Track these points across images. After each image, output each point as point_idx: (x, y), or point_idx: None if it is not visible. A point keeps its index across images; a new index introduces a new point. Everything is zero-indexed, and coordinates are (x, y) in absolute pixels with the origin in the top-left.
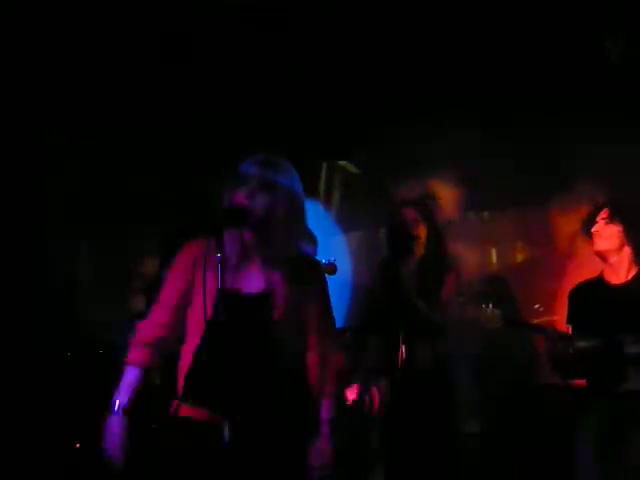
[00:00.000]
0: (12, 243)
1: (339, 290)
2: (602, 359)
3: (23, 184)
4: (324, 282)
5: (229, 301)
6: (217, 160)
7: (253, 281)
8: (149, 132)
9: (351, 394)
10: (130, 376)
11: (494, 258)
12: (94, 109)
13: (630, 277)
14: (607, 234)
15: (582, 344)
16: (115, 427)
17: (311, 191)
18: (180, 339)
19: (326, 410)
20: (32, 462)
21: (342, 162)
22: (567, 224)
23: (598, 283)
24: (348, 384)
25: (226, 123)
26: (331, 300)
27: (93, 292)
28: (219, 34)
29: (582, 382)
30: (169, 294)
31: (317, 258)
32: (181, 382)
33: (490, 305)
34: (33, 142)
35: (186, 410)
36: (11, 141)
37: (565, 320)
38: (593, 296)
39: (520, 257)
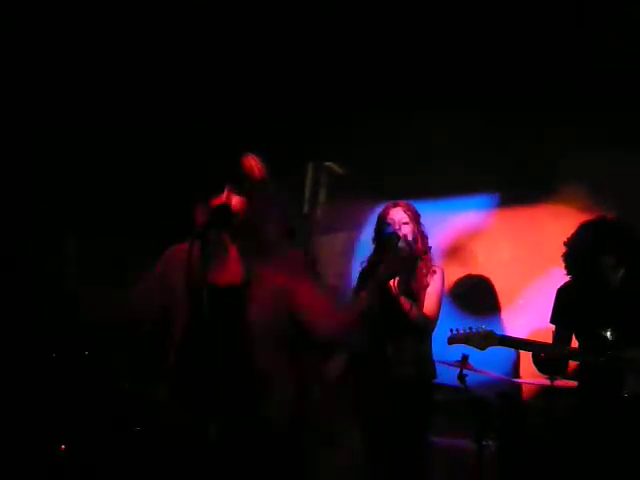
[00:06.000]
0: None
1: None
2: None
3: (12, 184)
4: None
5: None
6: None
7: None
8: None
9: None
10: None
11: (479, 257)
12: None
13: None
14: None
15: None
16: None
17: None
18: None
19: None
20: (16, 464)
21: (328, 163)
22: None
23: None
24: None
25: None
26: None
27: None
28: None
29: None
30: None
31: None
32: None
33: (482, 326)
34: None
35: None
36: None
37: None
38: (583, 296)
39: (505, 255)
